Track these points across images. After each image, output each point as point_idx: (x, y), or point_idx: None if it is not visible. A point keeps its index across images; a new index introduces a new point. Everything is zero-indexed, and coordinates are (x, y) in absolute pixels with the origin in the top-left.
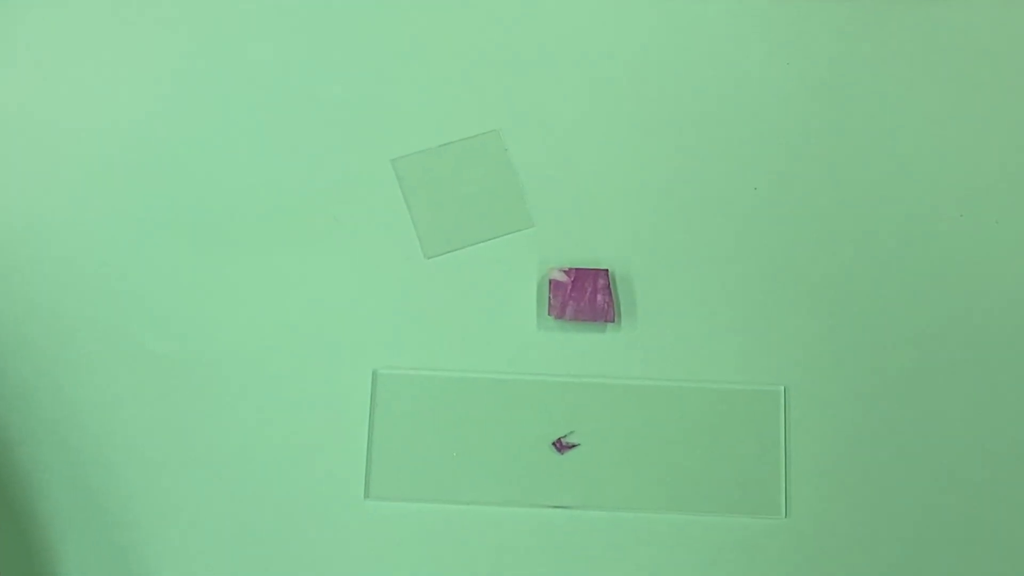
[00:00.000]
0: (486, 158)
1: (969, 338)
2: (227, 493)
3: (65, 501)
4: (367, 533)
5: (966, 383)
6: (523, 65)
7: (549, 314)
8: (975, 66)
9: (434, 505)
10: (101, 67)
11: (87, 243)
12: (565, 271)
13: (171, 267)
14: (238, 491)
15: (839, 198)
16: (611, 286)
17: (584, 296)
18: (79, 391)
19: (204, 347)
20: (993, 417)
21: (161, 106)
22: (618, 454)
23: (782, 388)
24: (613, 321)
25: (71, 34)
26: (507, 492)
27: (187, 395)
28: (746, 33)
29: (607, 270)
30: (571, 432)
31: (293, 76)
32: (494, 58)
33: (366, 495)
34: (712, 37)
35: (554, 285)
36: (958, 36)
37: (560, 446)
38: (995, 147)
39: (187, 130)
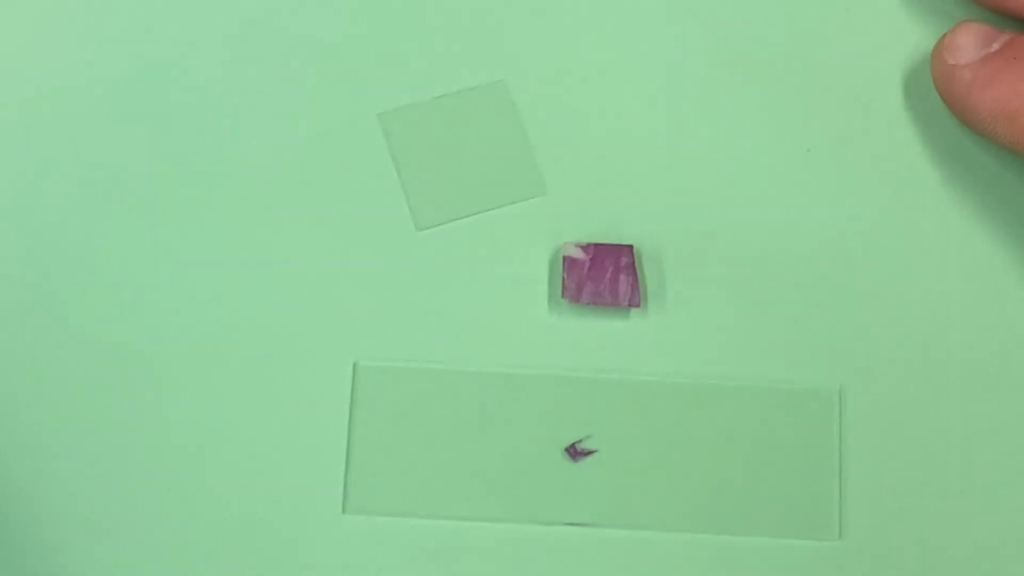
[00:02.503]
0: (490, 113)
1: None
2: (180, 507)
3: None
4: (345, 554)
5: None
6: (533, 1)
7: (563, 297)
8: None
9: (424, 521)
10: None
11: (10, 210)
12: (582, 247)
13: (114, 239)
14: (193, 505)
15: (909, 161)
16: (636, 265)
17: (604, 276)
18: (2, 387)
19: (153, 335)
20: None
21: (99, 43)
22: (642, 463)
23: (837, 388)
24: (638, 306)
25: None
26: (510, 506)
27: (133, 392)
28: None
29: (631, 246)
30: (587, 436)
31: (256, 10)
32: None
33: (344, 509)
34: None
35: (569, 263)
36: None
37: (574, 453)
38: None
39: (129, 75)
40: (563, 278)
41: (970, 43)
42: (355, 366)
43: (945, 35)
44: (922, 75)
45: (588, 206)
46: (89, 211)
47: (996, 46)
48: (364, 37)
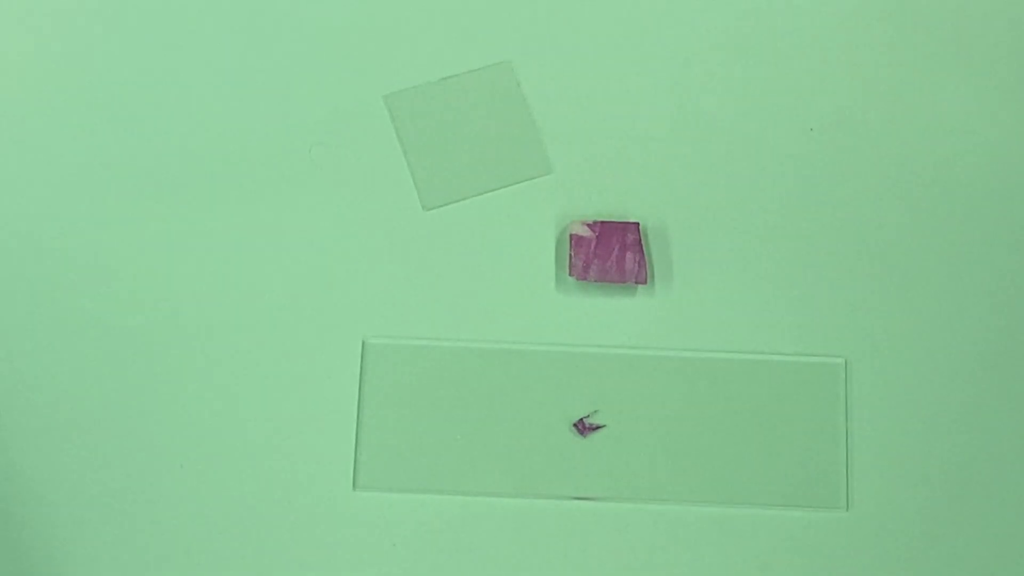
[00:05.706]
0: (496, 94)
1: None
2: (195, 484)
3: (8, 496)
4: (356, 530)
5: None
6: None
7: (570, 275)
8: None
9: (434, 497)
10: None
11: (22, 196)
12: (589, 225)
13: (126, 223)
14: (207, 482)
15: (910, 140)
16: (642, 242)
17: (611, 254)
18: (26, 373)
19: (164, 317)
20: None
21: (105, 26)
22: (650, 437)
23: (843, 361)
24: (644, 283)
25: None
26: (520, 481)
27: (146, 373)
28: None
29: (637, 224)
30: (595, 411)
31: None
32: None
33: (355, 485)
34: None
35: (576, 241)
36: None
37: (582, 428)
38: None
39: (137, 56)
40: (570, 256)
41: None
42: (364, 344)
43: None
44: (920, 53)
45: (594, 184)
46: (103, 196)
47: None
48: (370, 19)
